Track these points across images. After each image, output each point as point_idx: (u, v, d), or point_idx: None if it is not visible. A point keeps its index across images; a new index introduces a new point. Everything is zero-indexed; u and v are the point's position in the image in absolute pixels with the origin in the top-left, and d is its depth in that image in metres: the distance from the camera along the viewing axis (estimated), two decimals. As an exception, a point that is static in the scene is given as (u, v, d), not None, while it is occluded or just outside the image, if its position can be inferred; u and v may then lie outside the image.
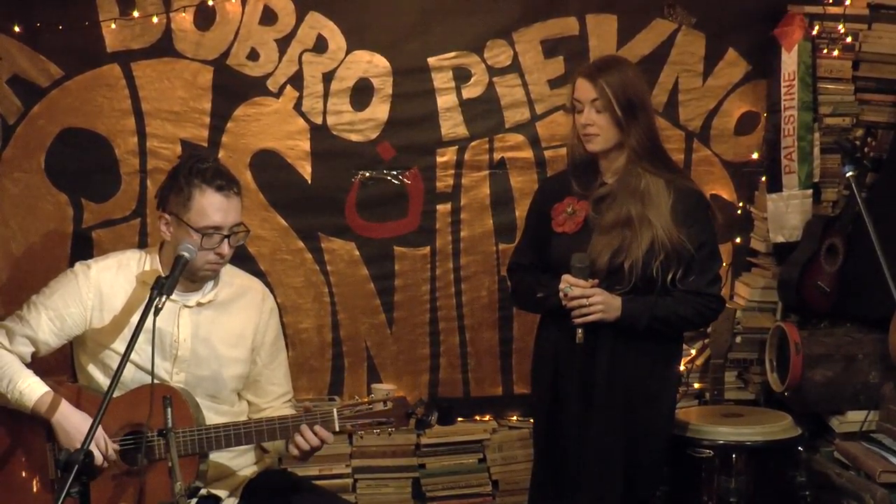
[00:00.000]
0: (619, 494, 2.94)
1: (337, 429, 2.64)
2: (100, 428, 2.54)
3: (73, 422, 2.63)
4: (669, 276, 2.86)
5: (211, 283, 2.82)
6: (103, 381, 2.74)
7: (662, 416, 3.02)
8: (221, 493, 2.79)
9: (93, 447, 2.56)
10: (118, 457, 2.63)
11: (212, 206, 2.66)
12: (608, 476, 2.93)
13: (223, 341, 2.81)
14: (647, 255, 2.84)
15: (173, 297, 2.72)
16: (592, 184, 2.96)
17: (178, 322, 2.76)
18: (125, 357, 2.42)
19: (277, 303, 3.06)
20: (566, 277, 2.86)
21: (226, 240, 2.69)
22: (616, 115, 2.85)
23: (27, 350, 2.72)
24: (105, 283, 2.76)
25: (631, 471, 2.95)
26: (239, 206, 2.73)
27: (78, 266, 2.80)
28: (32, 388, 2.64)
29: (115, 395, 2.51)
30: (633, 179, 2.89)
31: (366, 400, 2.63)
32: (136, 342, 2.45)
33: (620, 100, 2.84)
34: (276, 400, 2.93)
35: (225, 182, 2.68)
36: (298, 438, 2.64)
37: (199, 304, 2.79)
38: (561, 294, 2.86)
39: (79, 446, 2.39)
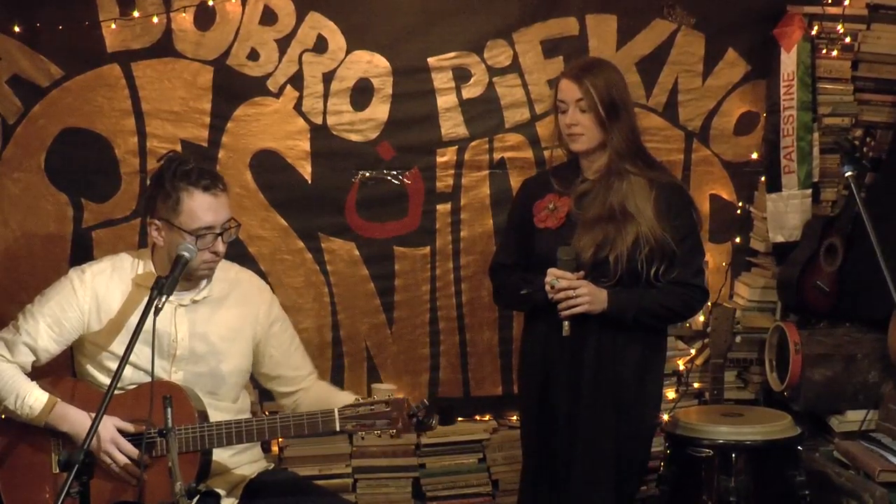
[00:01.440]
0: (611, 488, 2.96)
1: (338, 429, 2.64)
2: (116, 434, 2.62)
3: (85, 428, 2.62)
4: (653, 270, 2.91)
5: (204, 280, 2.83)
6: (104, 381, 2.75)
7: (650, 408, 3.07)
8: (220, 490, 2.79)
9: (112, 451, 2.61)
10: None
11: (201, 207, 2.67)
12: (599, 469, 2.95)
13: (220, 336, 2.82)
14: (631, 249, 2.89)
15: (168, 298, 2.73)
16: (573, 182, 3.02)
17: (175, 321, 2.77)
18: (124, 359, 2.42)
19: (277, 301, 3.07)
20: (552, 270, 2.90)
21: (219, 237, 2.71)
22: (600, 115, 2.90)
23: (28, 359, 2.73)
24: (101, 287, 2.77)
25: (621, 463, 2.97)
26: (227, 201, 2.74)
27: (72, 272, 2.81)
28: (40, 401, 2.66)
29: (116, 394, 2.56)
30: (615, 177, 2.95)
31: (367, 401, 2.63)
32: (135, 343, 2.46)
33: (604, 100, 2.90)
34: (304, 380, 2.95)
35: (210, 181, 2.69)
36: None
37: (194, 302, 2.80)
38: (547, 287, 2.89)
39: (99, 453, 2.51)
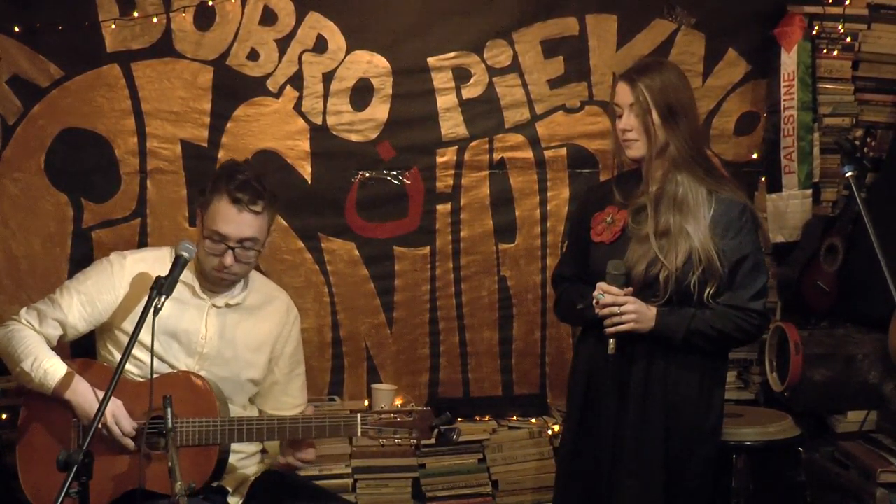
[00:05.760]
0: None
1: (359, 434, 2.67)
2: (118, 407, 2.65)
3: (92, 405, 2.66)
4: (707, 291, 2.74)
5: (240, 286, 2.89)
6: (128, 367, 2.77)
7: (704, 436, 2.85)
8: (228, 487, 2.82)
9: (112, 425, 2.64)
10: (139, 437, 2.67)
11: (220, 214, 2.72)
12: (644, 499, 2.79)
13: (246, 345, 2.87)
14: (683, 268, 2.73)
15: (202, 295, 2.81)
16: (635, 193, 2.84)
17: (206, 320, 2.81)
18: (126, 353, 2.43)
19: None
20: (600, 284, 2.75)
21: (230, 251, 2.73)
22: (655, 121, 2.74)
23: (55, 333, 2.78)
24: (138, 275, 2.82)
25: (674, 491, 2.80)
26: (255, 223, 2.75)
27: (114, 256, 2.88)
28: (56, 369, 2.69)
29: (140, 381, 2.70)
30: (672, 188, 2.77)
31: (392, 409, 2.66)
32: (138, 335, 2.47)
33: (660, 104, 2.73)
34: (291, 409, 2.97)
35: (247, 197, 2.72)
36: (289, 458, 2.75)
37: (228, 306, 2.85)
38: (593, 301, 2.74)
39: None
